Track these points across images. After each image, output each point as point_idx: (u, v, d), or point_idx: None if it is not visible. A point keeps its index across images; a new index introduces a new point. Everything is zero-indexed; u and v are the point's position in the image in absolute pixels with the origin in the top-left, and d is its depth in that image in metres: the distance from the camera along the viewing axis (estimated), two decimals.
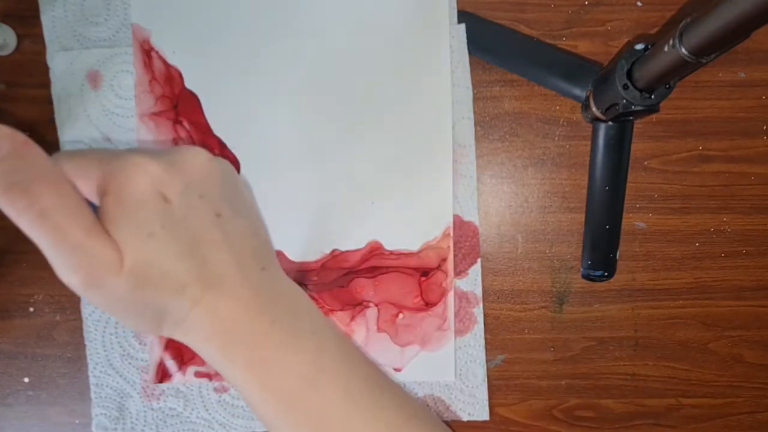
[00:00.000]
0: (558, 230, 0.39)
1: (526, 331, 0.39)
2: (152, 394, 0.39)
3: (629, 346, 0.39)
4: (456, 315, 0.38)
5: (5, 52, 0.38)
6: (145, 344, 0.39)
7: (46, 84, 0.38)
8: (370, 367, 0.28)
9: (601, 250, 0.38)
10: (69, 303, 0.39)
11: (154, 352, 0.39)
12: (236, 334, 0.24)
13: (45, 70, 0.38)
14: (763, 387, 0.39)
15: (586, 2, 0.38)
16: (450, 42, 0.37)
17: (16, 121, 0.39)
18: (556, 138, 0.39)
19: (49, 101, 0.38)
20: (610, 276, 0.38)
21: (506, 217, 0.39)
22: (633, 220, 0.39)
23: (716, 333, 0.39)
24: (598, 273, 0.38)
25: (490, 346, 0.39)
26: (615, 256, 0.38)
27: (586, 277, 0.38)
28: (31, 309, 0.40)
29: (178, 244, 0.23)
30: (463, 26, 0.37)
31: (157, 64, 0.38)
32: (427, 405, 0.39)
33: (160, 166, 0.23)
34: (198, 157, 0.25)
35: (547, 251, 0.39)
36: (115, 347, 0.39)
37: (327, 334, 0.28)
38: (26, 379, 0.40)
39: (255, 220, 0.28)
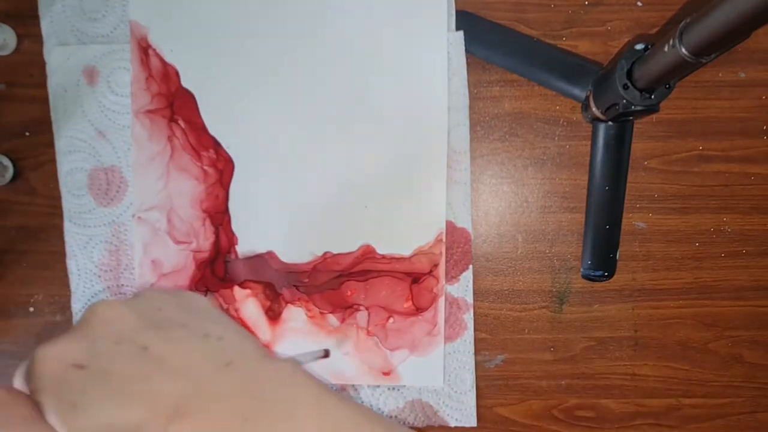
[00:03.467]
0: (558, 230, 0.39)
1: (526, 331, 0.39)
2: None
3: (629, 346, 0.39)
4: (446, 321, 0.38)
5: (5, 52, 0.38)
6: None
7: (46, 84, 0.38)
8: None
9: (601, 250, 0.38)
10: (69, 303, 0.39)
11: None
12: None
13: (45, 70, 0.38)
14: (763, 387, 0.39)
15: (586, 2, 0.38)
16: (448, 49, 0.37)
17: (16, 121, 0.39)
18: (556, 138, 0.39)
19: (48, 101, 0.38)
20: (610, 276, 0.38)
21: (506, 217, 0.39)
22: (633, 220, 0.39)
23: (716, 333, 0.39)
24: (598, 273, 0.38)
25: (490, 346, 0.39)
26: (615, 256, 0.38)
27: (586, 277, 0.38)
28: (31, 309, 0.40)
29: (108, 398, 0.23)
30: (461, 33, 0.37)
31: (154, 61, 0.38)
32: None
33: (64, 343, 0.24)
34: (99, 310, 0.26)
35: (547, 251, 0.39)
36: None
37: (331, 419, 0.26)
38: None
39: (200, 323, 0.27)
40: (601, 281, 0.39)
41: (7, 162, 0.38)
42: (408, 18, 0.37)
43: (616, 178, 0.37)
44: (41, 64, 0.38)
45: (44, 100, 0.38)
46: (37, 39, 0.38)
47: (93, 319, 0.25)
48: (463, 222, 0.38)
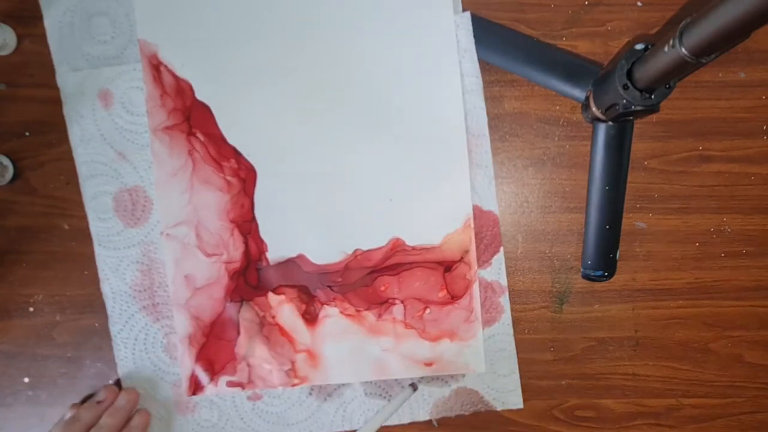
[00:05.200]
0: (558, 230, 0.39)
1: (526, 331, 0.39)
2: (186, 407, 0.39)
3: (629, 346, 0.39)
4: (482, 306, 0.38)
5: (5, 52, 0.38)
6: (175, 358, 0.39)
7: (46, 84, 0.38)
8: None
9: (601, 250, 0.38)
10: (69, 303, 0.39)
11: (185, 365, 0.39)
12: None
13: (45, 70, 0.38)
14: (764, 387, 0.39)
15: (586, 2, 0.38)
16: (456, 32, 0.37)
17: (16, 121, 0.39)
18: (556, 138, 0.39)
19: (48, 101, 0.38)
20: (610, 276, 0.38)
21: (506, 217, 0.39)
22: (633, 220, 0.39)
23: (716, 333, 0.39)
24: (598, 273, 0.38)
25: None
26: (615, 256, 0.38)
27: (586, 277, 0.38)
28: (31, 309, 0.40)
29: None
30: (468, 14, 0.37)
31: (166, 77, 0.38)
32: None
33: None
34: None
35: (547, 251, 0.39)
36: (146, 363, 0.39)
37: None
38: (26, 379, 0.40)
39: None
40: (601, 281, 0.39)
41: (7, 162, 0.38)
42: (414, 3, 0.37)
43: (616, 178, 0.37)
44: (41, 64, 0.38)
45: (44, 100, 0.38)
46: (37, 39, 0.38)
47: None
48: (489, 205, 0.38)
